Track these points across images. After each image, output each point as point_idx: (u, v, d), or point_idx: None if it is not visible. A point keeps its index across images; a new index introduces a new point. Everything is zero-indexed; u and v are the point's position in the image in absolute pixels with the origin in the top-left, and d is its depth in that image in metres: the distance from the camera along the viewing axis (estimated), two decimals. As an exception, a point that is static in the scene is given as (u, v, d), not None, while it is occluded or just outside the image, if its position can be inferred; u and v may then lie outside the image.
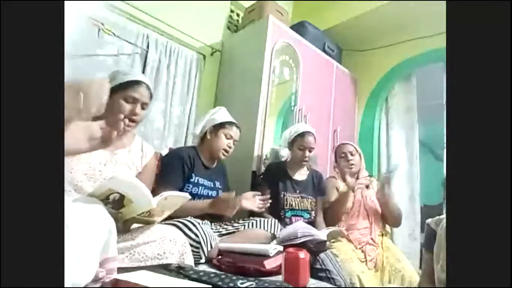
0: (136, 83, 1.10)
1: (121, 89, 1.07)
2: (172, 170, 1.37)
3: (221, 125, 1.50)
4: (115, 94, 1.05)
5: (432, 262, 1.12)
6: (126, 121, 1.01)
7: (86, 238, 0.67)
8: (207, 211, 1.31)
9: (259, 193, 1.43)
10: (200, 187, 1.42)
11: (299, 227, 1.31)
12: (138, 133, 1.76)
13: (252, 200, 1.39)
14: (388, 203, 1.69)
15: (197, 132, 1.55)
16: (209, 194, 1.45)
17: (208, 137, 1.50)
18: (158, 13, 1.97)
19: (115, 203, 0.83)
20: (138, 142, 1.20)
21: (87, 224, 0.69)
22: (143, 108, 1.11)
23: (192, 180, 1.40)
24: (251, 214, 1.53)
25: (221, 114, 1.55)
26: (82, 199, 0.78)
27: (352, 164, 1.79)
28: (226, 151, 1.50)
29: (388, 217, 1.73)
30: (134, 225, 0.94)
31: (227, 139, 1.50)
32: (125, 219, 0.90)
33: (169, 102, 1.99)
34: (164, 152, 1.66)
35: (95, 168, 1.00)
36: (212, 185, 1.47)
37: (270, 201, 1.43)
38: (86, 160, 0.99)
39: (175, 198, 0.98)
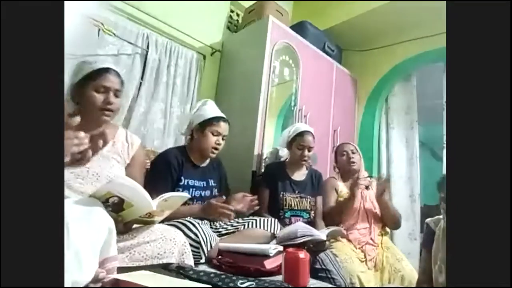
0: (104, 70, 1.04)
1: (90, 79, 1.02)
2: (160, 176, 1.31)
3: (207, 122, 1.42)
4: (84, 86, 1.01)
5: (430, 261, 1.12)
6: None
7: (86, 238, 0.67)
8: (199, 216, 1.27)
9: (249, 194, 1.41)
10: (191, 189, 1.37)
11: (299, 227, 1.31)
12: (138, 133, 1.77)
13: (242, 201, 1.36)
14: (388, 208, 1.68)
15: (182, 131, 1.49)
16: (202, 194, 1.40)
17: (195, 136, 1.43)
18: (158, 13, 1.97)
19: (114, 206, 0.82)
20: (122, 133, 1.15)
21: (87, 224, 0.69)
22: (116, 96, 1.06)
23: (181, 183, 1.35)
24: (251, 214, 1.53)
25: (207, 110, 1.46)
26: (82, 199, 0.78)
27: (353, 163, 1.81)
28: (215, 148, 1.42)
29: (387, 221, 1.73)
30: (134, 225, 0.94)
31: (215, 136, 1.41)
32: (126, 222, 0.90)
33: (169, 102, 1.99)
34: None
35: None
36: (204, 185, 1.42)
37: (257, 202, 1.40)
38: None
39: (175, 198, 0.98)
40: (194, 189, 1.38)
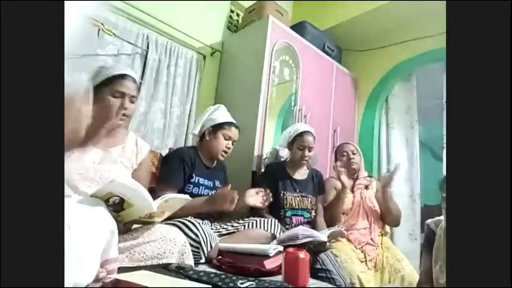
0: (122, 76, 1.07)
1: (107, 84, 1.05)
2: (173, 171, 1.37)
3: (220, 126, 1.49)
4: (101, 90, 1.04)
5: (431, 261, 1.12)
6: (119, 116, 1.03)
7: (88, 238, 0.67)
8: (205, 208, 1.29)
9: (262, 189, 1.41)
10: (201, 187, 1.42)
11: (300, 230, 1.31)
12: (138, 132, 1.77)
13: (256, 196, 1.37)
14: (388, 202, 1.69)
15: (195, 132, 1.55)
16: (210, 194, 1.44)
17: (207, 138, 1.49)
18: (158, 13, 1.97)
19: (115, 206, 0.82)
20: (132, 139, 1.17)
21: (89, 225, 0.69)
22: (131, 102, 1.09)
23: (192, 180, 1.40)
24: (251, 214, 1.53)
25: (220, 114, 1.53)
26: (85, 200, 0.78)
27: (354, 163, 1.81)
28: (225, 152, 1.49)
29: (387, 217, 1.73)
30: (134, 225, 0.94)
31: (226, 139, 1.49)
32: (126, 222, 0.90)
33: (169, 102, 1.99)
34: (164, 152, 1.66)
35: (89, 167, 0.98)
36: (212, 185, 1.47)
37: (271, 196, 1.39)
38: (79, 160, 0.98)
39: (175, 200, 0.98)
40: (203, 187, 1.44)
